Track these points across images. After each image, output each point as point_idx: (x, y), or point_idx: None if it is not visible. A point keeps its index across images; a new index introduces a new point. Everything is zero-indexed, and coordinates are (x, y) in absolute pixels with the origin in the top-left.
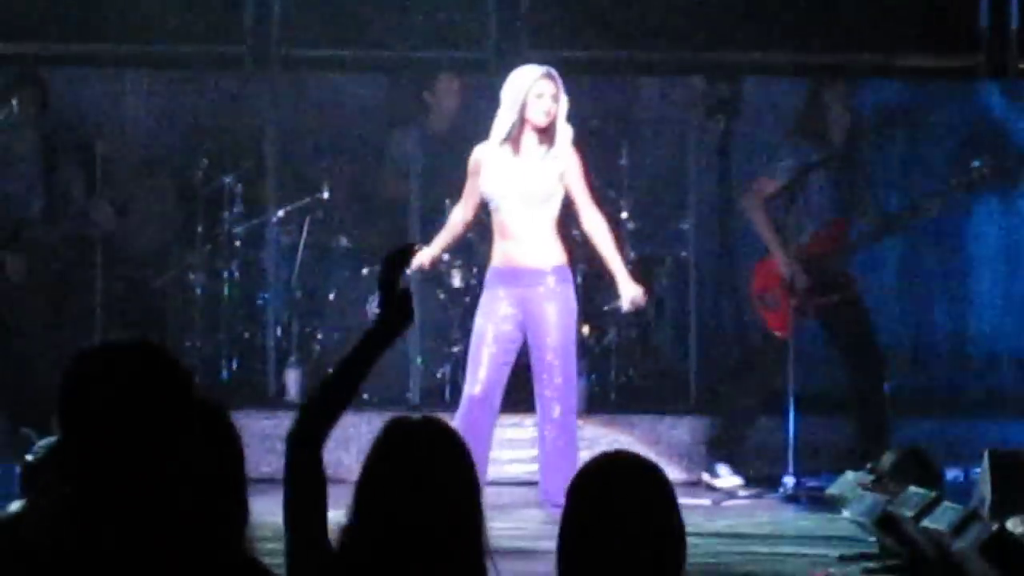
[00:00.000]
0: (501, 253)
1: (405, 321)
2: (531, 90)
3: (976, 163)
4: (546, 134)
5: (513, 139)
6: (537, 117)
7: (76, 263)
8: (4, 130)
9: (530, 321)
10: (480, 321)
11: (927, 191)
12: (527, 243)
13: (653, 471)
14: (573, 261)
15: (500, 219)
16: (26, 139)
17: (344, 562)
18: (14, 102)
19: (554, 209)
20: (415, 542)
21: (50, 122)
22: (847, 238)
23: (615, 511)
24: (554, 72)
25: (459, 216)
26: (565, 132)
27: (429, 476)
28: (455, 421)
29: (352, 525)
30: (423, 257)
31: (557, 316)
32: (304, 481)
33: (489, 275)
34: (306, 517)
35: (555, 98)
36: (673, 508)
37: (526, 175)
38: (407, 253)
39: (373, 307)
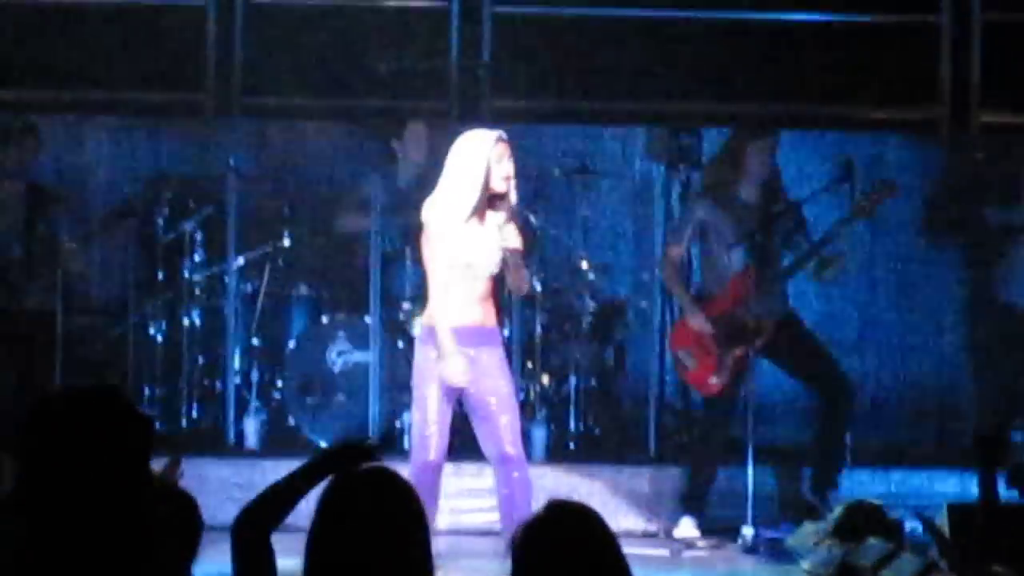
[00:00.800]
0: (453, 313)
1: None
2: (491, 157)
3: (871, 186)
4: (503, 199)
5: (479, 211)
6: (499, 184)
7: (38, 309)
8: None
9: (485, 377)
10: (426, 385)
11: (836, 222)
12: (482, 305)
13: (592, 517)
14: (533, 310)
15: (460, 283)
16: (13, 186)
17: None
18: (10, 150)
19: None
20: None
21: (36, 170)
22: (751, 288)
23: (559, 560)
24: (504, 134)
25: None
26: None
27: (378, 525)
28: (411, 472)
29: None
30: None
31: (508, 372)
32: (250, 561)
33: (431, 334)
34: None
35: (510, 159)
36: (616, 551)
37: (492, 245)
38: (365, 455)
39: (333, 355)
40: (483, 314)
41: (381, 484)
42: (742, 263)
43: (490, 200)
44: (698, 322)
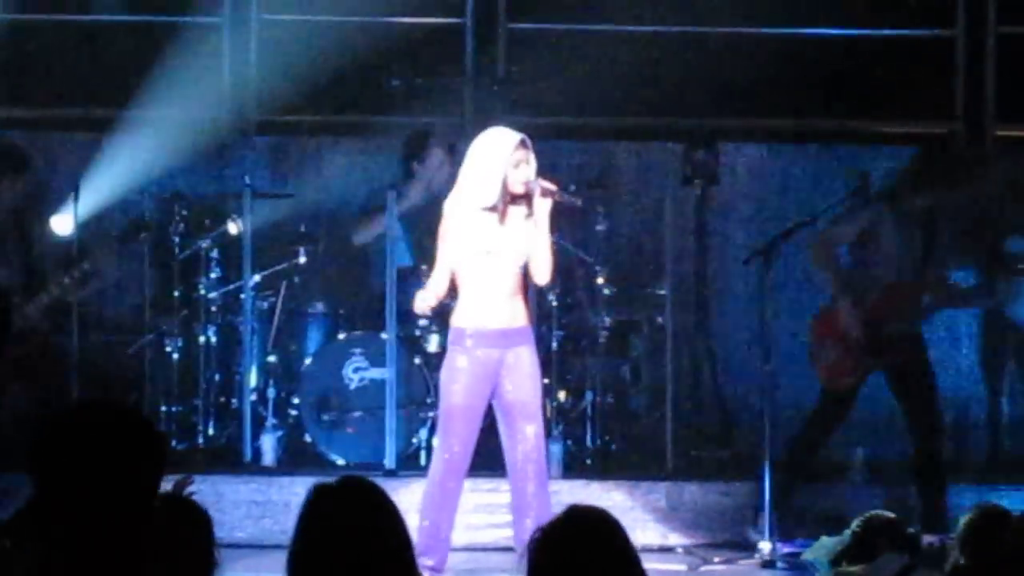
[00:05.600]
0: (477, 313)
1: None
2: (509, 162)
3: None
4: (524, 197)
5: (497, 208)
6: (517, 188)
7: (51, 329)
8: None
9: (507, 381)
10: (455, 388)
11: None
12: (508, 303)
13: (611, 523)
14: (549, 326)
15: (481, 279)
16: (3, 213)
17: None
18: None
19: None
20: None
21: (25, 193)
22: (918, 301)
23: (576, 564)
24: (527, 139)
25: (447, 280)
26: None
27: (355, 537)
28: (428, 487)
29: None
30: (429, 302)
31: (535, 377)
32: None
33: (459, 335)
34: None
35: (529, 163)
36: (633, 558)
37: (509, 236)
38: None
39: (349, 371)
40: (510, 314)
41: (356, 495)
42: (906, 274)
43: (512, 198)
44: (852, 323)
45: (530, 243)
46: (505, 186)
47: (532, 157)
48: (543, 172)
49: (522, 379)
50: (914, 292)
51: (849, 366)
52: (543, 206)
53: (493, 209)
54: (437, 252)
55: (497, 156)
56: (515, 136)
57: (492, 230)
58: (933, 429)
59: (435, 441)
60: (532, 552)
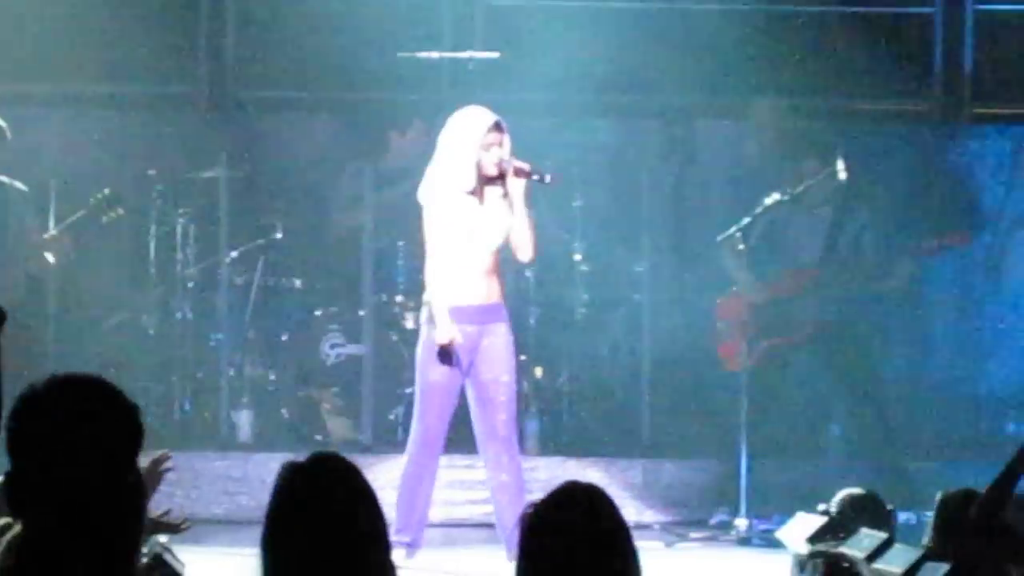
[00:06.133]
0: (454, 291)
1: None
2: (481, 144)
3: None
4: (499, 177)
5: (474, 190)
6: (490, 170)
7: (28, 304)
8: None
9: (482, 357)
10: (432, 365)
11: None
12: (487, 280)
13: (606, 499)
14: (527, 302)
15: (460, 259)
16: None
17: None
18: None
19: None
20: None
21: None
22: (811, 284)
23: (571, 539)
24: (501, 121)
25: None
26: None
27: (326, 513)
28: (405, 464)
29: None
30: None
31: (509, 353)
32: None
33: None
34: None
35: (502, 145)
36: (627, 534)
37: (488, 217)
38: None
39: (326, 348)
40: (487, 291)
41: (327, 473)
42: (811, 260)
43: (487, 180)
44: (746, 301)
45: (508, 222)
46: (479, 169)
47: (506, 139)
48: (521, 149)
49: (497, 355)
50: (812, 277)
51: (742, 348)
52: (517, 185)
53: (471, 193)
54: (426, 243)
55: (469, 139)
56: (488, 118)
57: (470, 212)
58: (864, 403)
59: (413, 418)
60: (525, 527)
